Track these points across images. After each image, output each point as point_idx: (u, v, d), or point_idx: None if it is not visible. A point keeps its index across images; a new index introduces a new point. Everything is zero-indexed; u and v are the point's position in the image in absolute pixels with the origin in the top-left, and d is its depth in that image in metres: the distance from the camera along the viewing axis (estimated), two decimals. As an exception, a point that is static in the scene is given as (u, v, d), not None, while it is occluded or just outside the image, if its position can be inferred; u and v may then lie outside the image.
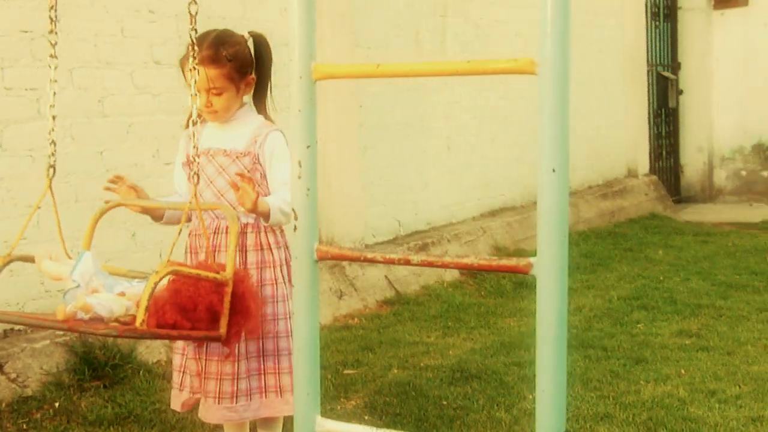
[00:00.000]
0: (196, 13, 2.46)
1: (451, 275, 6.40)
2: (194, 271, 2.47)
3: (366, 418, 3.78)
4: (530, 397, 3.98)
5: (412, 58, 6.64)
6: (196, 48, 2.51)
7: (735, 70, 10.85)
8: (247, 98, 3.19)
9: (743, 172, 11.05)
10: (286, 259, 3.15)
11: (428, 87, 6.86)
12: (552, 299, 2.01)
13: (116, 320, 2.37)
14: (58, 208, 4.58)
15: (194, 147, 2.52)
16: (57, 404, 3.95)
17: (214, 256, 3.07)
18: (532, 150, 8.13)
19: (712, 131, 11.05)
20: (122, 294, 2.48)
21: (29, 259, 2.68)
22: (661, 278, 6.32)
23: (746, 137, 10.95)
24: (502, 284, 6.15)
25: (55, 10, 2.64)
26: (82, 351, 4.26)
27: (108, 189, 3.01)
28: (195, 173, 2.52)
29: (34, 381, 4.09)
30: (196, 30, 2.48)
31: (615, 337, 4.88)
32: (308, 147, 2.10)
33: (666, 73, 10.59)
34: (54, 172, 2.70)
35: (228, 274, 2.48)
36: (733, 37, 10.86)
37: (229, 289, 2.49)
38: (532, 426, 3.60)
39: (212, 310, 2.48)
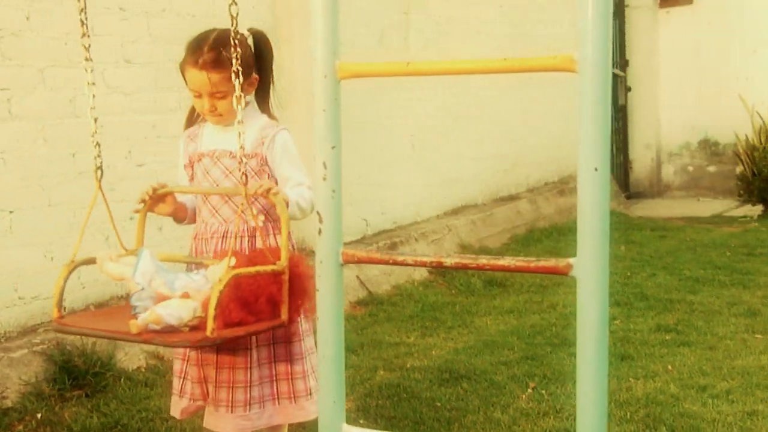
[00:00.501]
0: (237, 14, 2.41)
1: (420, 274, 6.37)
2: (255, 269, 2.53)
3: (361, 422, 3.72)
4: (523, 396, 3.97)
5: (377, 55, 6.60)
6: (239, 50, 2.46)
7: (681, 67, 11.02)
8: (249, 96, 3.12)
9: (690, 168, 11.24)
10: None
11: (391, 85, 6.81)
12: (594, 301, 1.99)
13: (186, 325, 2.45)
14: (32, 213, 4.46)
15: (241, 147, 2.51)
16: (39, 415, 3.82)
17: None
18: (491, 147, 8.15)
19: (659, 128, 11.21)
20: (186, 295, 2.53)
21: (91, 262, 2.72)
22: (629, 274, 6.37)
23: (692, 133, 11.13)
24: (472, 282, 6.14)
25: (85, 13, 2.58)
26: (60, 359, 4.12)
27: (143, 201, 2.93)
28: (243, 173, 2.54)
29: (14, 392, 3.94)
30: (237, 31, 2.43)
31: (595, 334, 4.89)
32: (333, 148, 2.05)
33: (615, 71, 10.71)
34: (102, 173, 2.69)
35: (283, 262, 2.58)
36: (678, 35, 11.03)
37: (286, 277, 2.59)
38: (531, 426, 3.60)
39: (273, 300, 2.59)
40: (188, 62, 2.95)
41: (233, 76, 2.51)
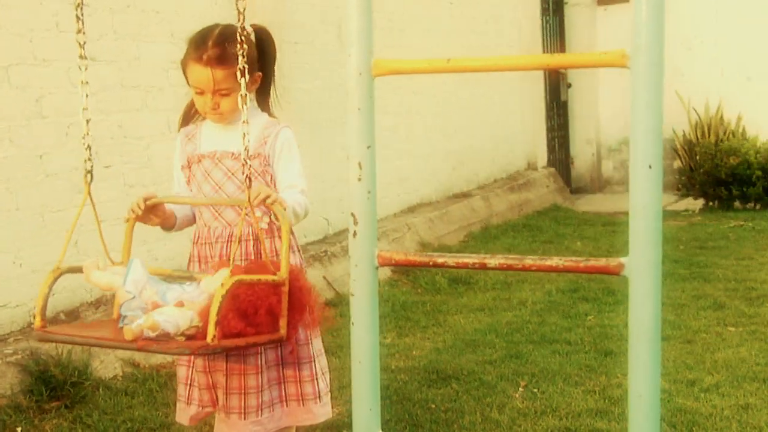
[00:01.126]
0: (245, 9, 2.30)
1: (384, 273, 6.31)
2: (257, 277, 2.42)
3: (356, 426, 3.65)
4: (516, 396, 3.95)
5: (336, 52, 6.51)
6: (245, 46, 2.34)
7: (619, 63, 11.17)
8: (250, 94, 3.02)
9: (629, 163, 11.40)
10: (300, 265, 3.01)
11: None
12: (647, 302, 1.97)
13: (182, 334, 2.32)
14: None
15: (245, 149, 2.39)
16: (19, 429, 3.66)
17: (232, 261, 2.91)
18: (443, 145, 8.14)
19: (599, 123, 11.36)
20: (181, 304, 2.43)
21: (77, 270, 2.57)
22: (591, 269, 6.40)
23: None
24: (437, 281, 6.11)
25: (81, 9, 2.45)
26: (36, 370, 3.96)
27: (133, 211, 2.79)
28: (247, 176, 2.41)
29: (-11, 405, 3.77)
30: (244, 28, 2.32)
31: (572, 330, 4.91)
32: (368, 147, 2.00)
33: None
34: (92, 177, 2.53)
35: (283, 273, 2.45)
36: (616, 31, 11.16)
37: (285, 289, 2.46)
38: (532, 426, 3.58)
39: (272, 312, 2.45)
40: (191, 58, 2.83)
41: (239, 73, 2.39)
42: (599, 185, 11.36)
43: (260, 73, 2.95)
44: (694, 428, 3.49)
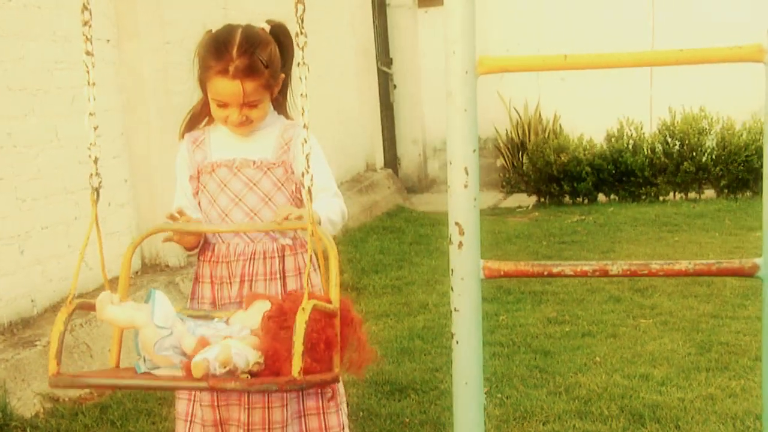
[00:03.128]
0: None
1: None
2: (324, 305, 2.08)
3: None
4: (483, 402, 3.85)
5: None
6: (306, 41, 2.05)
7: (440, 64, 11.30)
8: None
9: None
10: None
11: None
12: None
13: (247, 371, 2.00)
14: None
15: (306, 169, 2.09)
16: (-46, 485, 3.19)
17: (251, 285, 2.64)
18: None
19: (424, 123, 11.48)
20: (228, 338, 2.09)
21: (90, 307, 2.14)
22: (474, 269, 6.42)
23: (455, 129, 11.50)
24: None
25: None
26: (-45, 414, 3.46)
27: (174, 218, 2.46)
28: (308, 189, 2.10)
29: None
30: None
31: (495, 331, 4.88)
32: (474, 151, 1.88)
33: (385, 68, 10.83)
34: (98, 196, 2.09)
35: (336, 304, 2.14)
36: (437, 33, 11.34)
37: (338, 321, 2.15)
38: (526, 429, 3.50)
39: (330, 346, 2.13)
40: (215, 70, 2.52)
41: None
42: (426, 185, 11.49)
43: (284, 75, 2.70)
44: (679, 423, 3.53)
